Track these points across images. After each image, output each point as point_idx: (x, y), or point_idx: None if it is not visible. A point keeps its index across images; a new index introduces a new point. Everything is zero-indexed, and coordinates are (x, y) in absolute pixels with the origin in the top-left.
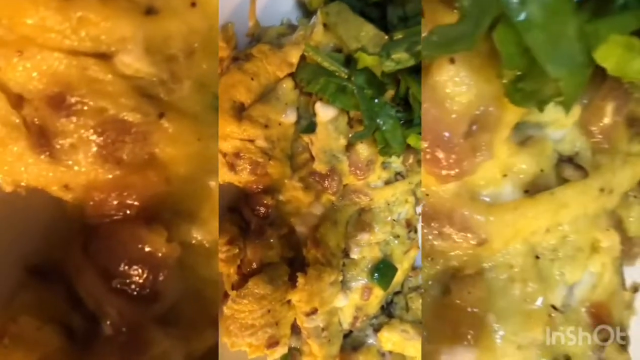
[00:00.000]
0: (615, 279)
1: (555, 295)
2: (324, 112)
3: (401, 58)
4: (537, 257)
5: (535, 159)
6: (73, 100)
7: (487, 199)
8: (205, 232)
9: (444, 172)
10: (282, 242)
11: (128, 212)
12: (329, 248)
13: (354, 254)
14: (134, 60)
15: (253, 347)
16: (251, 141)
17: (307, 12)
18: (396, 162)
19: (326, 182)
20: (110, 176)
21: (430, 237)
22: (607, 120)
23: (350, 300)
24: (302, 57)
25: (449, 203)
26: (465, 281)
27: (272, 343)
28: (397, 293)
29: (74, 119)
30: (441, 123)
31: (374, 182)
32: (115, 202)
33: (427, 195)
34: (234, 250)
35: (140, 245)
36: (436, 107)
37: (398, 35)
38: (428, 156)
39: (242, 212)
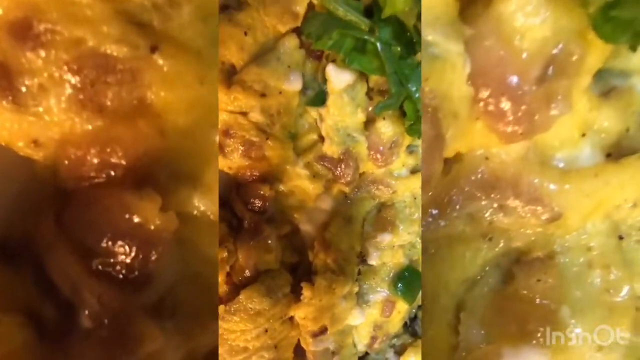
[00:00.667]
0: None
1: None
2: (338, 78)
3: None
4: (621, 238)
5: (621, 115)
6: (42, 27)
7: (562, 164)
8: (209, 200)
9: (509, 129)
10: (282, 244)
11: (112, 173)
12: (341, 252)
13: (373, 260)
14: (256, 117)
15: None
16: (244, 114)
17: None
18: None
19: (339, 169)
20: (90, 127)
21: (488, 211)
22: None
23: (367, 317)
24: (310, 6)
25: (514, 168)
26: (533, 266)
27: None
28: (420, 307)
29: (42, 52)
30: (508, 65)
31: (397, 170)
32: (96, 161)
33: (487, 158)
34: (222, 254)
35: (127, 216)
36: (501, 45)
37: None
38: (490, 107)
39: (233, 206)
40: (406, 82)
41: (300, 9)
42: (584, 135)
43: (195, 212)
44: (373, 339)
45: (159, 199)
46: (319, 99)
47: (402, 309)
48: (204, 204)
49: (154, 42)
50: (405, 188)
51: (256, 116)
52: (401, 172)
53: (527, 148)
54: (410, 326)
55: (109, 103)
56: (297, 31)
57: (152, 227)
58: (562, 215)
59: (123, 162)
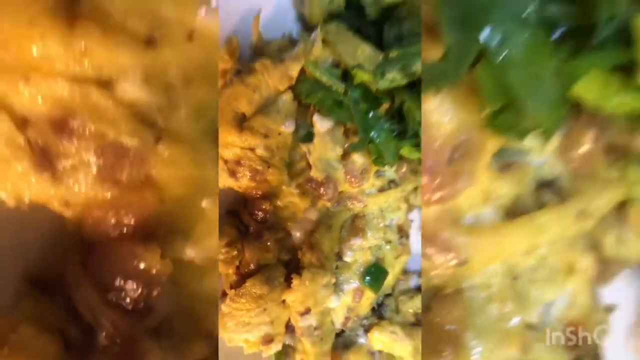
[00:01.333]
0: (590, 299)
1: (531, 315)
2: (321, 124)
3: (395, 77)
4: (515, 278)
5: (516, 185)
6: (75, 124)
7: (469, 222)
8: (198, 249)
9: (426, 197)
10: (278, 245)
11: (125, 230)
12: (323, 252)
13: (347, 258)
14: (134, 88)
15: (249, 343)
16: (252, 150)
17: (308, 26)
18: (389, 171)
19: (322, 189)
20: (109, 195)
21: None
22: (585, 148)
23: (342, 302)
24: (302, 71)
25: (432, 225)
26: (444, 300)
27: (267, 340)
28: (387, 295)
29: (75, 141)
30: (426, 150)
31: (368, 190)
32: (112, 220)
33: None
34: (232, 252)
35: (135, 262)
36: (424, 134)
37: (393, 54)
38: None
39: (241, 216)
40: (370, 130)
41: (295, 73)
42: (486, 200)
43: (186, 259)
44: (347, 319)
45: (159, 250)
46: (308, 137)
47: (370, 296)
48: (194, 253)
49: (158, 135)
50: (373, 203)
51: (261, 151)
52: (371, 191)
53: (441, 210)
54: (377, 310)
55: (123, 179)
56: (292, 89)
57: (154, 271)
58: (468, 261)
59: (132, 222)
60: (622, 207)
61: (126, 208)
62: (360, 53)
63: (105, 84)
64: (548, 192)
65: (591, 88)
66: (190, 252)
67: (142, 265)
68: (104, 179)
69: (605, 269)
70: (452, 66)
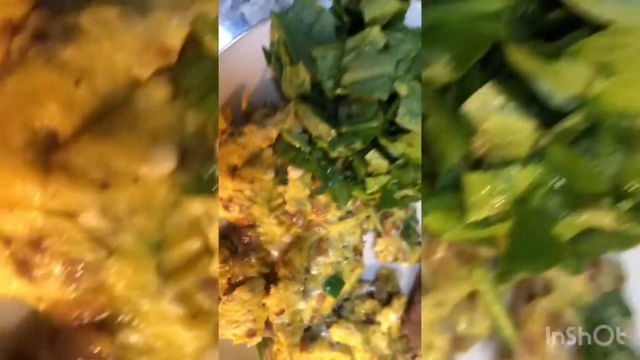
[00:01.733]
0: None
1: None
2: (294, 172)
3: (341, 151)
4: None
5: None
6: (47, 244)
7: None
8: (139, 335)
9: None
10: (260, 262)
11: (83, 321)
12: (295, 267)
13: (314, 271)
14: (92, 219)
15: (237, 336)
16: (241, 191)
17: (285, 98)
18: (347, 204)
19: (294, 219)
20: (72, 296)
21: None
22: (440, 255)
23: (309, 304)
24: (279, 135)
25: None
26: None
27: (251, 334)
28: (345, 299)
29: (47, 257)
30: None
31: (330, 219)
32: (74, 314)
33: None
34: (225, 267)
35: (91, 346)
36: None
37: (343, 130)
38: None
39: (232, 240)
40: (328, 180)
41: (274, 136)
42: None
43: (130, 343)
44: (312, 317)
45: (109, 336)
46: (284, 182)
47: (331, 301)
48: (136, 338)
49: (110, 252)
50: (334, 229)
51: (248, 192)
52: (333, 219)
53: None
54: (337, 311)
55: (82, 284)
56: (272, 147)
57: (105, 354)
58: None
59: (89, 316)
60: (471, 297)
61: (84, 305)
62: (320, 129)
63: (71, 216)
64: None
65: (435, 222)
66: (133, 338)
67: (96, 350)
68: (68, 284)
69: (461, 342)
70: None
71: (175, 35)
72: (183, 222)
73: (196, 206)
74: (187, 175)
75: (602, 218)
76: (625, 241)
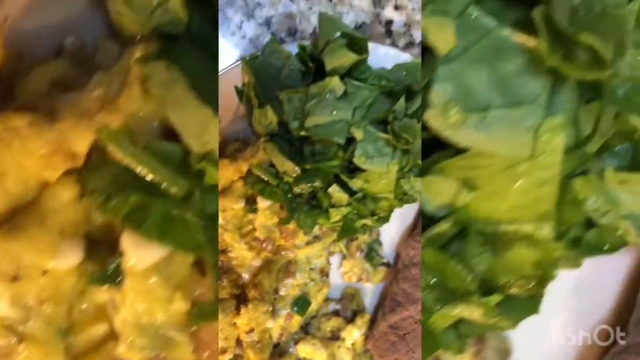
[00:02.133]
0: None
1: None
2: (263, 202)
3: (303, 188)
4: None
5: None
6: None
7: None
8: None
9: None
10: (231, 285)
11: None
12: (264, 289)
13: (282, 292)
14: (3, 308)
15: None
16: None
17: (256, 134)
18: (315, 229)
19: (264, 244)
20: None
21: None
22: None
23: (277, 323)
24: (249, 169)
25: None
26: None
27: (223, 351)
28: (312, 317)
29: None
30: None
31: (298, 243)
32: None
33: None
34: None
35: None
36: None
37: (307, 167)
38: None
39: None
40: (294, 211)
41: (244, 169)
42: None
43: None
44: (281, 334)
45: None
46: (254, 210)
47: (298, 319)
48: None
49: (20, 338)
50: (302, 253)
51: (220, 221)
52: (300, 244)
53: None
54: (304, 328)
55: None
56: (242, 179)
57: None
58: None
59: None
60: None
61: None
62: (285, 166)
63: None
64: None
65: None
66: None
67: None
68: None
69: None
70: None
71: (81, 141)
72: (90, 309)
73: (102, 294)
74: (93, 266)
75: (473, 312)
76: (498, 329)
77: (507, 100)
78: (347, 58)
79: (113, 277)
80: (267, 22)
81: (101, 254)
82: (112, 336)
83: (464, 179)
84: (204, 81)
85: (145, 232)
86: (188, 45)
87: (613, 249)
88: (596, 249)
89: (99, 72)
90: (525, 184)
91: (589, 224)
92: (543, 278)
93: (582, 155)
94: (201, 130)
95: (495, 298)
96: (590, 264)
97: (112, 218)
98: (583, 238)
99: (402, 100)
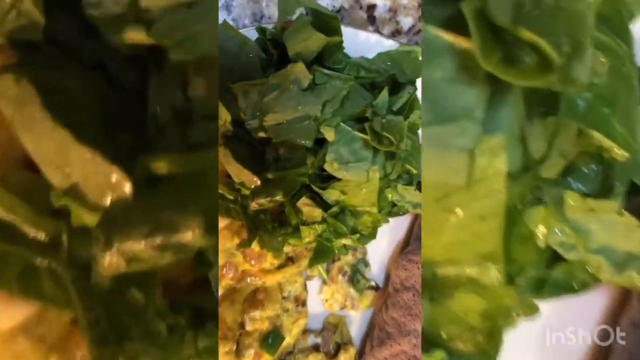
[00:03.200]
0: None
1: None
2: (222, 221)
3: (263, 202)
4: None
5: None
6: None
7: None
8: None
9: None
10: None
11: None
12: (226, 324)
13: (248, 327)
14: None
15: None
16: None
17: None
18: (288, 249)
19: (224, 270)
20: None
21: None
22: None
23: None
24: None
25: None
26: None
27: None
28: (289, 353)
29: None
30: None
31: (267, 267)
32: None
33: None
34: None
35: None
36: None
37: (269, 176)
38: None
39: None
40: (256, 231)
41: None
42: None
43: None
44: None
45: None
46: None
47: (269, 358)
48: None
49: None
50: (272, 279)
51: None
52: (270, 268)
53: None
54: None
55: None
56: None
57: None
58: None
59: None
60: None
61: None
62: (242, 175)
63: None
64: None
65: None
66: None
67: None
68: None
69: None
70: None
71: None
72: None
73: None
74: None
75: None
76: None
77: (436, 115)
78: (314, 39)
79: None
80: (227, 6)
81: None
82: None
83: None
84: (66, 97)
85: (5, 286)
86: (51, 54)
87: (584, 287)
88: (565, 289)
89: None
90: (463, 218)
91: (555, 259)
92: (493, 330)
93: (534, 181)
94: (59, 159)
95: (438, 355)
96: None
97: None
98: (548, 278)
99: (384, 93)
